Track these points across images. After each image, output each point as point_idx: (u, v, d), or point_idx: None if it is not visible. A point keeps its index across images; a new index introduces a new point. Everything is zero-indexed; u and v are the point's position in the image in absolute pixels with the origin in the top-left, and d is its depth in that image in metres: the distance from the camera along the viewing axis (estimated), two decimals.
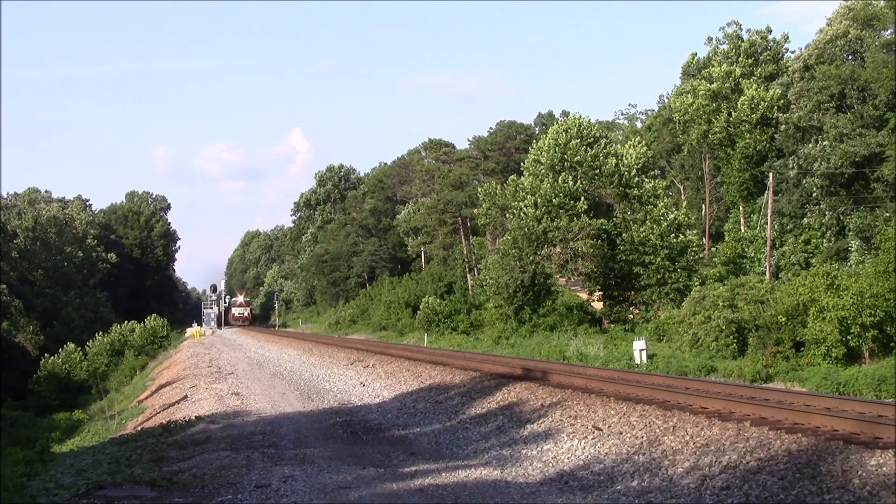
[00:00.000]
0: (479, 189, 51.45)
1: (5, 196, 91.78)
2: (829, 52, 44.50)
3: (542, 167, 45.64)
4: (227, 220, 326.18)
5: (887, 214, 38.27)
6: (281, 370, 29.75)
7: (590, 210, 43.34)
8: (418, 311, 56.22)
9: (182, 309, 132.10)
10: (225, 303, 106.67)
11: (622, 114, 79.22)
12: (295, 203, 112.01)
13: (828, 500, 7.91)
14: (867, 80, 41.27)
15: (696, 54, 58.85)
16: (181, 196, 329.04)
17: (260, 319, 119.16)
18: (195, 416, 18.38)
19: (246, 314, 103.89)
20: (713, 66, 54.79)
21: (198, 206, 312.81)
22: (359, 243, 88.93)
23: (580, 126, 47.11)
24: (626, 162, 45.78)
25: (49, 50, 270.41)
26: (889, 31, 43.65)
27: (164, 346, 61.00)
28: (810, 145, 43.20)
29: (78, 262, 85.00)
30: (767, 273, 40.58)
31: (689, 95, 54.13)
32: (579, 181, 44.08)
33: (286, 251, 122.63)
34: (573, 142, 45.56)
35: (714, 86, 52.96)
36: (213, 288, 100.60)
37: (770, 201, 42.20)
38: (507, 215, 45.99)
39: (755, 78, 53.20)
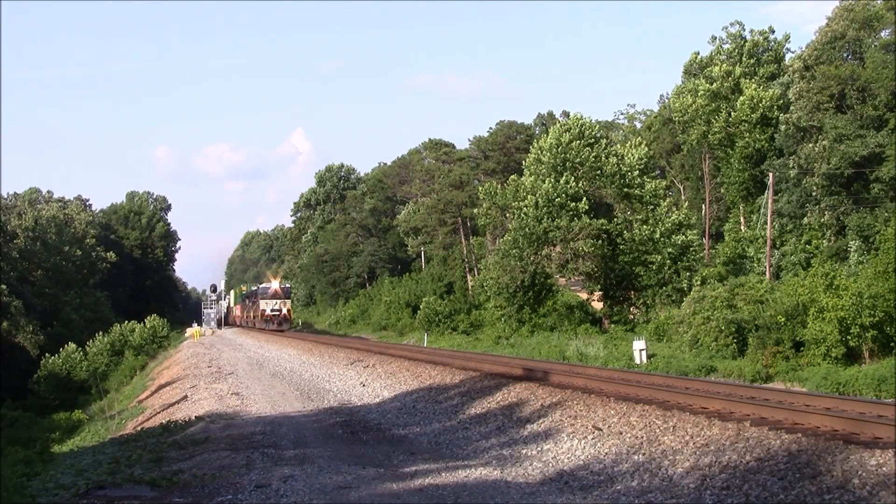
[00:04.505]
0: (480, 189, 51.50)
1: (5, 196, 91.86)
2: (829, 52, 44.52)
3: (543, 167, 45.68)
4: (229, 220, 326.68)
5: (887, 214, 38.29)
6: (281, 370, 29.73)
7: (590, 210, 43.37)
8: (418, 311, 56.24)
9: (182, 309, 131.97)
10: (226, 300, 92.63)
11: (622, 114, 79.38)
12: (295, 203, 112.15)
13: (828, 500, 7.91)
14: (867, 81, 41.28)
15: (698, 53, 58.93)
16: (183, 196, 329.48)
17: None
18: (195, 416, 18.38)
19: (284, 311, 63.85)
20: (714, 65, 54.84)
21: (199, 206, 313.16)
22: (359, 243, 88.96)
23: (581, 126, 47.15)
24: (627, 162, 45.82)
25: (49, 50, 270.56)
26: (888, 32, 43.66)
27: (163, 346, 60.97)
28: (810, 145, 43.23)
29: (78, 262, 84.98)
30: (768, 273, 40.60)
31: (689, 95, 54.17)
32: (580, 181, 44.12)
33: (286, 251, 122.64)
34: (574, 142, 45.60)
35: (714, 86, 53.00)
36: (213, 288, 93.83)
37: (770, 201, 42.21)
38: (508, 215, 46.01)
39: (757, 78, 53.26)
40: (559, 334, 38.95)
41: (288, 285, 69.82)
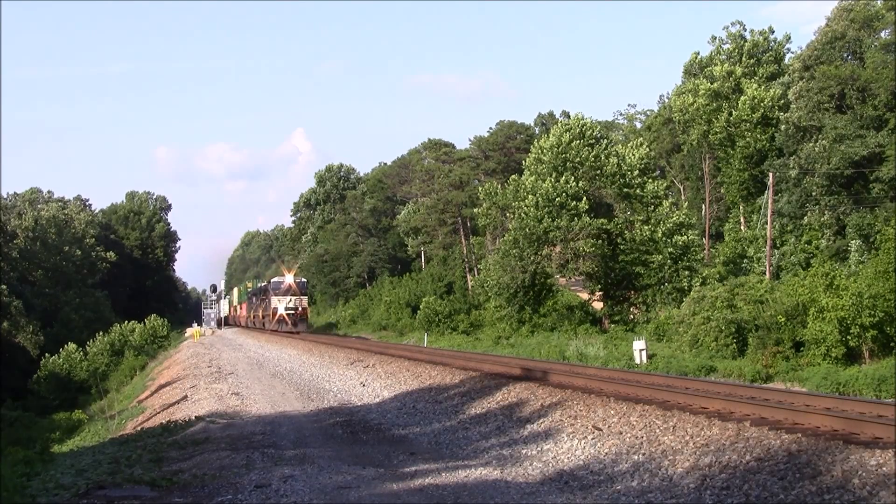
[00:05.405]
0: (480, 189, 51.52)
1: (5, 196, 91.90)
2: (829, 52, 44.53)
3: (543, 167, 45.69)
4: (229, 220, 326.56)
5: (887, 214, 38.29)
6: (281, 370, 29.74)
7: (591, 210, 43.38)
8: (418, 311, 56.20)
9: (182, 309, 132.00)
10: (226, 299, 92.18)
11: (621, 114, 79.40)
12: (295, 203, 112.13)
13: (828, 500, 7.91)
14: (867, 81, 41.28)
15: (698, 53, 58.93)
16: (183, 196, 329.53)
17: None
18: (195, 416, 18.38)
19: (300, 309, 56.43)
20: (715, 65, 54.82)
21: (199, 206, 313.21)
22: (359, 243, 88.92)
23: (582, 126, 47.17)
24: (627, 162, 45.84)
25: (49, 50, 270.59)
26: (888, 32, 43.67)
27: (164, 346, 60.99)
28: (811, 145, 43.22)
29: (78, 262, 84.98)
30: (768, 273, 40.60)
31: (690, 95, 54.18)
32: (580, 181, 44.12)
33: (286, 251, 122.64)
34: (575, 142, 45.62)
35: (715, 85, 53.01)
36: (213, 288, 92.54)
37: (770, 201, 42.21)
38: (508, 215, 46.01)
39: (757, 78, 53.26)
40: (559, 334, 38.96)
41: (304, 280, 61.70)
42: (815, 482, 8.32)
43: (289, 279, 56.46)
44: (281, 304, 55.33)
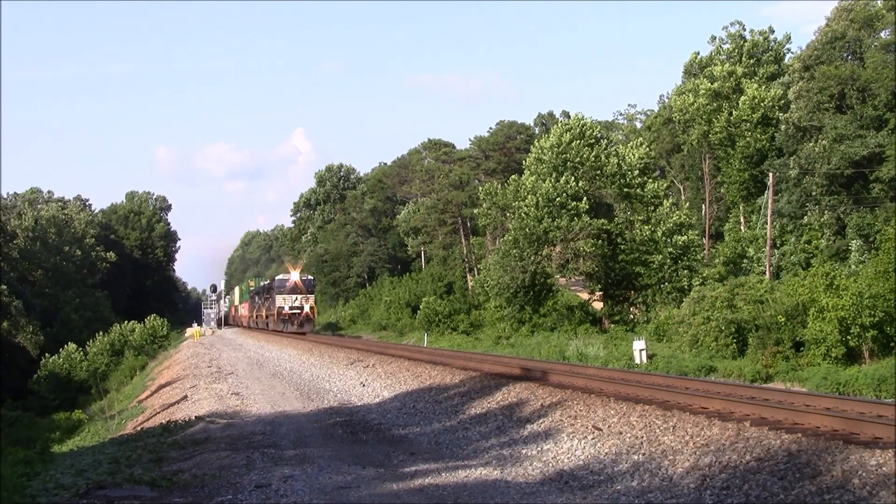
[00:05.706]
0: (480, 189, 51.53)
1: (5, 196, 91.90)
2: (829, 52, 44.54)
3: (543, 167, 45.72)
4: (229, 220, 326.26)
5: (887, 214, 38.30)
6: (281, 370, 29.74)
7: (591, 210, 43.40)
8: (418, 311, 56.20)
9: (182, 309, 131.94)
10: (226, 299, 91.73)
11: (621, 114, 79.39)
12: (295, 203, 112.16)
13: (828, 500, 7.91)
14: (867, 81, 41.29)
15: (698, 53, 58.96)
16: (183, 196, 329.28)
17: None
18: (195, 416, 18.38)
19: (307, 309, 53.46)
20: (715, 65, 54.84)
21: (199, 206, 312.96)
22: (359, 243, 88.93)
23: (582, 126, 47.18)
24: (627, 162, 45.86)
25: (50, 49, 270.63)
26: (888, 32, 43.68)
27: (164, 346, 60.97)
28: (811, 145, 43.24)
29: (78, 262, 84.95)
30: (768, 273, 40.60)
31: (690, 95, 54.20)
32: (581, 181, 44.14)
33: (286, 251, 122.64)
34: (575, 142, 45.64)
35: (715, 85, 53.03)
36: (213, 288, 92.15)
37: (770, 201, 42.21)
38: (508, 215, 46.03)
39: (757, 78, 53.28)
40: (559, 334, 38.96)
41: (310, 277, 58.47)
42: (815, 482, 8.33)
43: (295, 276, 54.05)
44: (286, 304, 53.15)
